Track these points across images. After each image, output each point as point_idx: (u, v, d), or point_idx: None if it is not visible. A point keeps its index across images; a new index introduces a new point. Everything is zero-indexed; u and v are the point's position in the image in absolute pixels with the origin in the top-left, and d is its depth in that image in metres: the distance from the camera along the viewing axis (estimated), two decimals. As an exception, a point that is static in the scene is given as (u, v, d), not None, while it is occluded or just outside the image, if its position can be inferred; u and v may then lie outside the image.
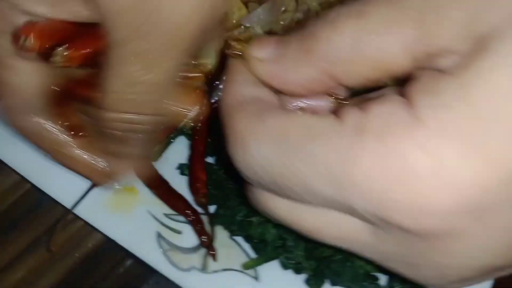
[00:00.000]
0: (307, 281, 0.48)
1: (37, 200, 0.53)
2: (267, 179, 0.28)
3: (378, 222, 0.25)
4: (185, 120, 0.35)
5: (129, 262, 0.53)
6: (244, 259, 0.49)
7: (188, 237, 0.50)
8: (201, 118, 0.36)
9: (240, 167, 0.29)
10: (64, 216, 0.50)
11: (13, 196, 0.54)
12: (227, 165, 0.50)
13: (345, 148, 0.24)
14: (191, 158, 0.50)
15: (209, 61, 0.38)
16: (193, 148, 0.50)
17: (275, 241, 0.45)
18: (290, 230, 0.45)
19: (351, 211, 0.26)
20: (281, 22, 0.46)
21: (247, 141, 0.28)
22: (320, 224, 0.28)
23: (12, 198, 0.54)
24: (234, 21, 0.58)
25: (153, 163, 0.52)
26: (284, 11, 0.46)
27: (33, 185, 0.51)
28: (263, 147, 0.27)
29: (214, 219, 0.49)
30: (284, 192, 0.28)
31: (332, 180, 0.25)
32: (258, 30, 0.57)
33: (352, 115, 0.25)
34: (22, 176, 0.51)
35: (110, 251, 0.53)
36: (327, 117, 0.26)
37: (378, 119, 0.24)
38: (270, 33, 0.54)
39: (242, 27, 0.59)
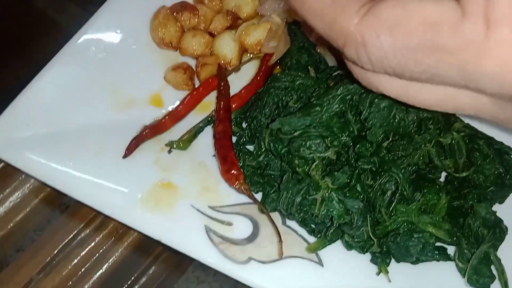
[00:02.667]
0: (374, 260, 0.44)
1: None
2: (385, 68, 0.29)
3: (504, 98, 0.27)
4: None
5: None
6: (303, 244, 0.45)
7: (240, 227, 0.46)
8: None
9: (357, 57, 0.30)
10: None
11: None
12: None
13: (475, 41, 0.25)
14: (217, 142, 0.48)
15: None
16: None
17: (342, 216, 0.42)
18: (355, 205, 0.42)
19: (475, 90, 0.28)
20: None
21: (365, 39, 0.28)
22: (437, 97, 0.30)
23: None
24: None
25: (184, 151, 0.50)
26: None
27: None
28: (383, 40, 0.28)
29: (268, 206, 0.45)
30: (403, 77, 0.29)
31: (461, 69, 0.26)
32: (276, 18, 0.55)
33: (475, 3, 0.25)
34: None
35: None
36: (445, 4, 0.26)
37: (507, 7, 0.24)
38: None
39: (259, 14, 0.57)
